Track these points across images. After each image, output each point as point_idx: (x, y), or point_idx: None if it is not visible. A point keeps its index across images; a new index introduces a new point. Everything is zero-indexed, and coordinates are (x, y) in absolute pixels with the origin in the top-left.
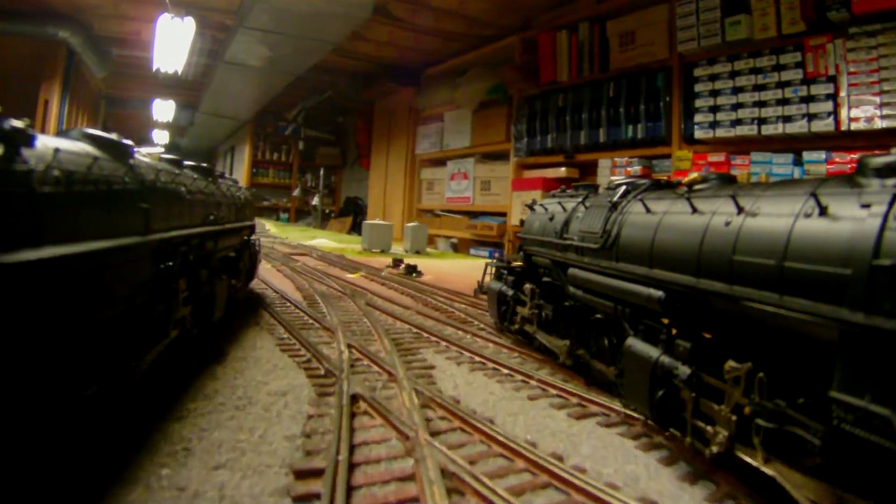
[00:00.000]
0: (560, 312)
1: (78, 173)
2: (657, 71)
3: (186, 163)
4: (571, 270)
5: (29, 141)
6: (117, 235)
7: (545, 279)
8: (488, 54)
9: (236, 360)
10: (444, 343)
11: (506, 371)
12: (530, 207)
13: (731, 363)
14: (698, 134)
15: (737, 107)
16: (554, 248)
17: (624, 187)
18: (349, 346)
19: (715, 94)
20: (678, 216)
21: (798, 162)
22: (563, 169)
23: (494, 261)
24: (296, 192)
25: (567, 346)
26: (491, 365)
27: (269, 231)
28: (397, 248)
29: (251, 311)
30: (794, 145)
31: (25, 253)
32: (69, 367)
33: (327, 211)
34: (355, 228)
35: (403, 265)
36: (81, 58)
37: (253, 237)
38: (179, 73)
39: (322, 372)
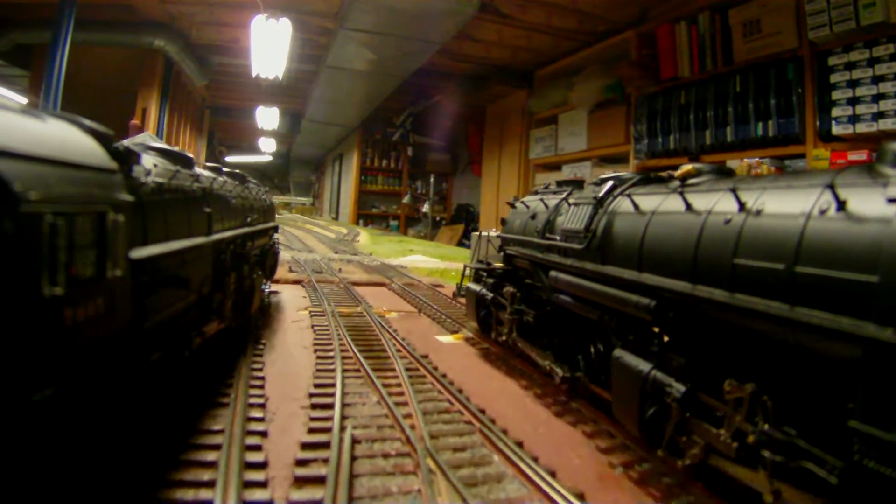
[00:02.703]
0: (542, 319)
1: (165, 183)
2: (787, 62)
3: (224, 169)
4: (553, 273)
5: (138, 159)
6: (191, 236)
7: (527, 282)
8: (603, 51)
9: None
10: None
11: None
12: (511, 205)
13: (731, 382)
14: (836, 130)
15: (878, 98)
16: (535, 249)
17: (611, 182)
18: None
19: (853, 84)
20: (670, 213)
21: None
22: None
23: (473, 262)
24: (405, 200)
25: (559, 365)
26: None
27: (359, 241)
28: None
29: None
30: None
31: (140, 250)
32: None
33: (438, 218)
34: (466, 236)
35: None
36: (180, 66)
37: (276, 235)
38: (280, 78)
39: None
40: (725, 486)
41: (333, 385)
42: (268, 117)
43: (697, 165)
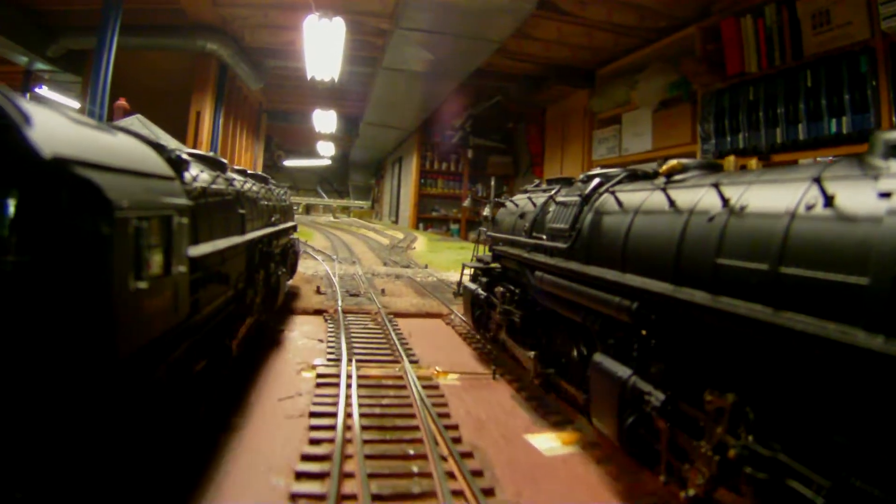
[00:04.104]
0: (530, 319)
1: (208, 188)
2: (859, 54)
3: (248, 172)
4: (538, 273)
5: (188, 166)
6: (229, 234)
7: (515, 282)
8: (666, 48)
9: None
10: None
11: None
12: (501, 204)
13: (712, 391)
14: None
15: None
16: (522, 248)
17: (597, 179)
18: None
19: None
20: (653, 211)
21: None
22: None
23: (472, 261)
24: (466, 203)
25: (534, 359)
26: None
27: (415, 248)
28: None
29: None
30: None
31: (194, 249)
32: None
33: None
34: None
35: None
36: (234, 70)
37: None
38: (336, 80)
39: None
40: None
41: None
42: (325, 120)
43: (684, 161)
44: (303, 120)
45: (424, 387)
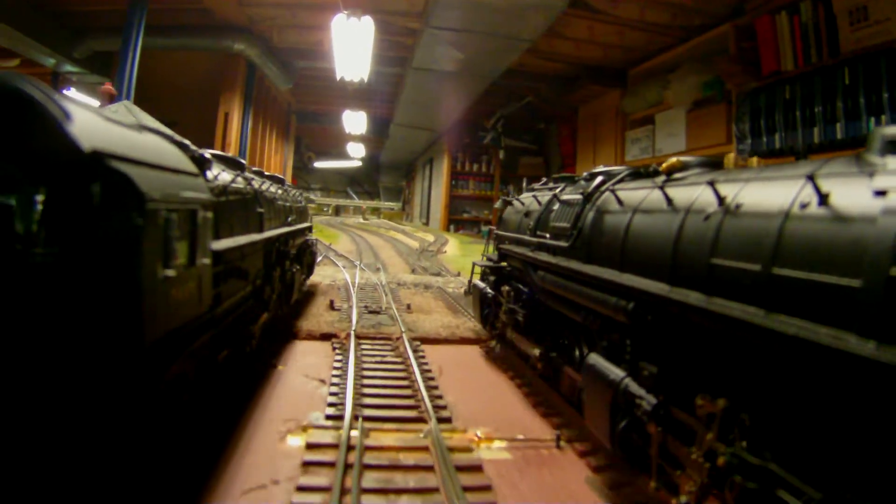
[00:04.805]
0: (533, 319)
1: (228, 186)
2: None
3: (266, 174)
4: (540, 273)
5: (210, 165)
6: (248, 232)
7: (520, 280)
8: (699, 46)
9: None
10: None
11: None
12: (508, 202)
13: (703, 396)
14: None
15: None
16: (526, 247)
17: (600, 177)
18: None
19: None
20: (651, 210)
21: None
22: None
23: (483, 259)
24: (497, 205)
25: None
26: None
27: (446, 251)
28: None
29: None
30: None
31: (217, 243)
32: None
33: None
34: None
35: None
36: (263, 71)
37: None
38: (365, 80)
39: None
40: None
41: None
42: (355, 121)
43: (684, 158)
44: (333, 121)
45: (461, 469)
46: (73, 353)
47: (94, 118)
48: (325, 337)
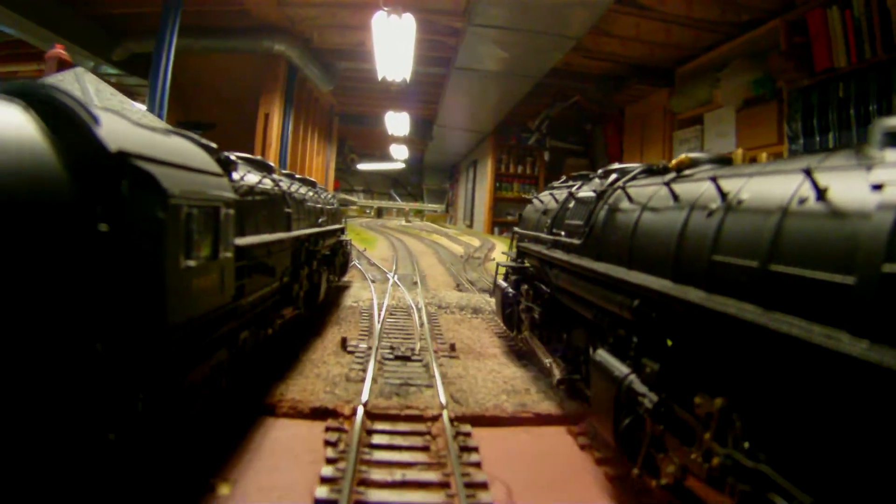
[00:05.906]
0: (549, 317)
1: (255, 187)
2: None
3: (297, 176)
4: (554, 270)
5: (236, 167)
6: (275, 231)
7: (538, 279)
8: (748, 43)
9: None
10: None
11: None
12: (529, 200)
13: (702, 395)
14: None
15: None
16: (543, 245)
17: (614, 174)
18: None
19: None
20: (659, 207)
21: None
22: None
23: (507, 259)
24: None
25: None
26: None
27: (493, 259)
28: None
29: None
30: None
31: (241, 239)
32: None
33: None
34: None
35: None
36: (304, 72)
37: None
38: (407, 80)
39: None
40: None
41: None
42: (398, 123)
43: (693, 154)
44: (375, 123)
45: None
46: (112, 317)
47: (121, 123)
48: (318, 414)
